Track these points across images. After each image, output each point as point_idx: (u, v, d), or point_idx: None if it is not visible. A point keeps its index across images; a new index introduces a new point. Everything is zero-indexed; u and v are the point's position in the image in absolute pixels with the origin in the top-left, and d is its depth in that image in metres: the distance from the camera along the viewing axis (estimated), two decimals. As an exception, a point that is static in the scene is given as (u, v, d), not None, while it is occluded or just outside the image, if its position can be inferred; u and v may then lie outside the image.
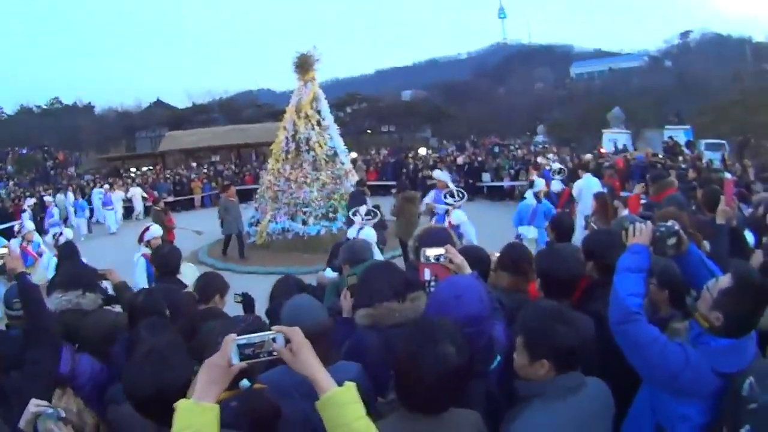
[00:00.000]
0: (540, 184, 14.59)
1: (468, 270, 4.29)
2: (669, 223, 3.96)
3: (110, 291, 7.05)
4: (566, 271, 4.54)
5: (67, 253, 9.73)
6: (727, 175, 10.17)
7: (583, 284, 4.68)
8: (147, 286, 8.80)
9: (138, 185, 37.18)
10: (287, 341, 2.57)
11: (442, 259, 4.37)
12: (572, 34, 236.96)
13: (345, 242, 6.80)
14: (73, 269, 6.36)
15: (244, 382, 3.01)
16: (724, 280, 3.40)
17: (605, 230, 5.54)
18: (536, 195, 13.98)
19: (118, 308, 6.22)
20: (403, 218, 16.54)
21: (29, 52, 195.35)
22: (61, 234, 12.34)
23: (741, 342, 3.34)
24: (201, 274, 6.87)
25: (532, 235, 13.20)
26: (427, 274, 4.45)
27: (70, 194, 32.71)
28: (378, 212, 11.57)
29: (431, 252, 4.41)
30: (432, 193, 15.53)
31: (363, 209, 11.34)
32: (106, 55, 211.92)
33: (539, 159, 32.06)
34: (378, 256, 9.66)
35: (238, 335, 2.54)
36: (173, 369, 2.98)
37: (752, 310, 3.35)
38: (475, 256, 4.87)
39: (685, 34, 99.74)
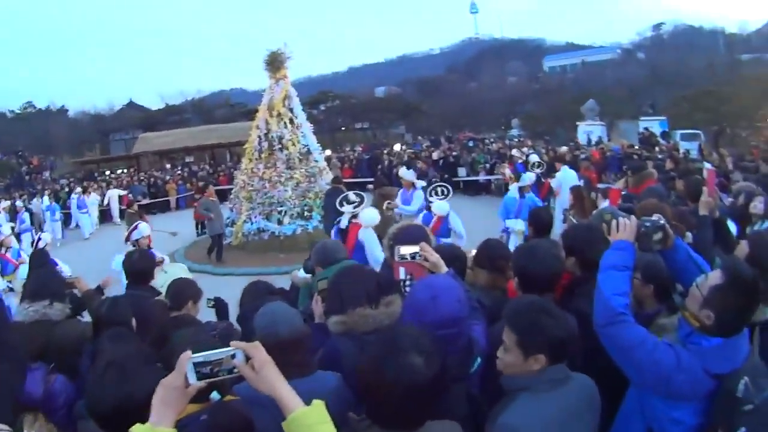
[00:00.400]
0: (527, 178, 14.43)
1: (444, 268, 4.14)
2: (654, 218, 3.78)
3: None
4: (544, 268, 4.34)
5: (39, 261, 9.38)
6: (707, 166, 10.06)
7: (564, 281, 4.53)
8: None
9: (115, 188, 36.75)
10: (248, 358, 2.37)
11: (417, 257, 4.20)
12: (544, 28, 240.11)
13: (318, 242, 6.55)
14: (40, 278, 6.13)
15: (214, 395, 2.84)
16: (714, 277, 3.23)
17: (585, 225, 5.32)
18: (521, 189, 13.87)
19: (88, 318, 6.04)
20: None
21: (0, 56, 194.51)
22: (39, 239, 11.89)
23: (733, 341, 3.17)
24: (172, 280, 6.68)
25: (520, 228, 13.13)
26: (402, 273, 4.29)
27: (45, 199, 32.22)
28: (364, 196, 11.26)
29: (406, 250, 4.24)
30: (399, 192, 15.13)
31: (351, 195, 11.00)
32: (78, 57, 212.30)
33: (514, 152, 32.14)
34: (377, 247, 9.55)
35: (193, 352, 2.34)
36: (134, 383, 2.82)
37: (745, 307, 3.17)
38: (451, 254, 4.74)
39: (657, 26, 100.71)
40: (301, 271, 6.89)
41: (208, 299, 6.46)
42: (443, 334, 3.23)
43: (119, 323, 4.68)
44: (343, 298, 3.96)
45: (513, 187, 14.33)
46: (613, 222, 3.80)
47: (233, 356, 2.35)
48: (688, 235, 5.70)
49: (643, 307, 4.41)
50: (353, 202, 10.65)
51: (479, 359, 3.61)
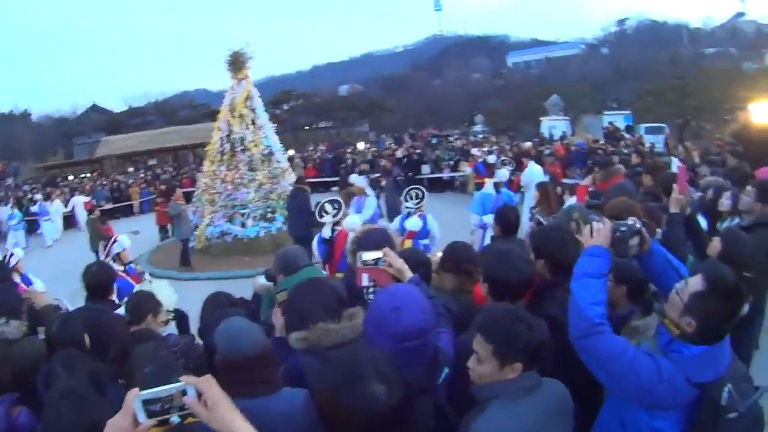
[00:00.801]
0: (501, 174, 14.42)
1: (409, 274, 4.00)
2: (630, 222, 3.59)
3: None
4: (517, 274, 4.16)
5: None
6: (675, 160, 9.96)
7: (534, 284, 4.35)
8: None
9: (80, 194, 36.08)
10: (200, 393, 2.15)
11: (380, 263, 4.06)
12: (508, 24, 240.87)
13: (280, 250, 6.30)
14: None
15: (174, 418, 2.64)
16: (695, 283, 3.08)
17: (554, 226, 5.14)
18: (496, 185, 13.67)
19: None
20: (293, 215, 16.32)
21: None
22: (11, 255, 11.36)
23: (716, 348, 3.05)
24: (130, 294, 6.45)
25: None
26: (365, 280, 4.12)
27: (8, 207, 31.69)
28: (341, 203, 10.97)
29: (369, 256, 4.11)
30: (375, 200, 14.77)
31: (327, 205, 10.70)
32: (41, 61, 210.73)
33: (474, 150, 32.00)
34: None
35: (141, 388, 2.13)
36: (94, 411, 2.71)
37: (728, 313, 3.02)
38: (415, 259, 4.53)
39: (621, 22, 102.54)
40: (263, 278, 6.68)
41: (167, 311, 6.24)
42: (407, 346, 3.10)
43: (70, 342, 4.52)
44: (303, 313, 3.74)
45: (488, 184, 14.11)
46: (586, 227, 3.64)
47: (184, 392, 2.15)
48: (658, 231, 5.58)
49: (615, 308, 4.28)
50: (332, 212, 10.43)
51: (447, 369, 3.44)
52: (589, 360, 3.24)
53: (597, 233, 3.52)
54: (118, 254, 10.09)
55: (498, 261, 4.30)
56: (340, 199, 10.99)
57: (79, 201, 32.79)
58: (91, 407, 2.69)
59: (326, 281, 4.30)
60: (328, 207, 10.53)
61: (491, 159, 19.19)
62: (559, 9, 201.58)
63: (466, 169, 28.46)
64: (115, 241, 10.21)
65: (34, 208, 31.27)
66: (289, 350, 3.83)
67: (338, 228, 10.22)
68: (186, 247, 19.44)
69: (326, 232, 10.39)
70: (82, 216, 31.62)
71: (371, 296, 3.98)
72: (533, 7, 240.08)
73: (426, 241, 11.50)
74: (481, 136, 51.36)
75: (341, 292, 3.98)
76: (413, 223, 11.63)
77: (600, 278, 3.37)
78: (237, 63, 22.02)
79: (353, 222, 9.77)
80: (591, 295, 3.28)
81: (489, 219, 12.34)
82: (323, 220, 10.42)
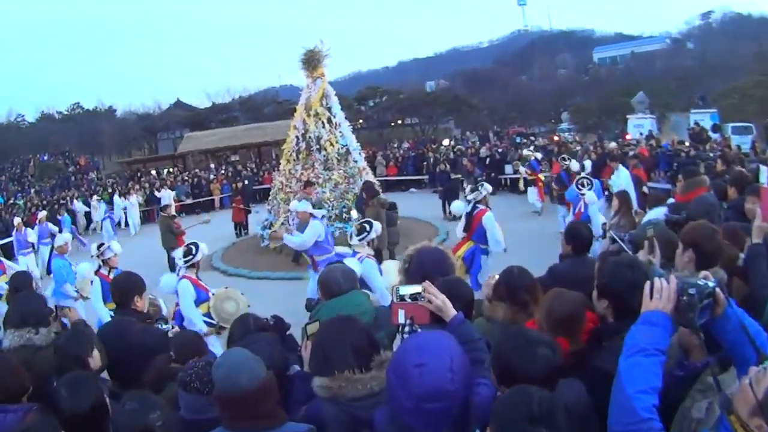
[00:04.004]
0: (587, 165, 17.43)
1: (451, 312, 3.63)
2: (701, 282, 2.96)
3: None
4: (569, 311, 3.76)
5: (19, 284, 8.91)
6: (764, 169, 9.10)
7: (591, 324, 3.89)
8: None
9: (168, 188, 36.69)
10: None
11: (419, 299, 3.65)
12: (593, 18, 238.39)
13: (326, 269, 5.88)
14: (24, 305, 5.73)
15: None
16: None
17: (628, 262, 4.13)
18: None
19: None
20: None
21: (49, 57, 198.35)
22: (108, 247, 11.28)
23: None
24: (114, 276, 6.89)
25: (593, 197, 13.32)
26: (401, 317, 3.67)
27: (94, 199, 32.66)
28: (372, 225, 10.42)
29: (406, 290, 3.71)
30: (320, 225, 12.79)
31: (354, 229, 10.33)
32: (125, 57, 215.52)
33: (524, 151, 33.01)
34: (377, 279, 9.24)
35: None
36: None
37: None
38: (456, 294, 3.99)
39: (706, 15, 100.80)
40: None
41: (267, 318, 5.93)
42: (429, 408, 2.66)
43: (73, 356, 4.43)
44: (328, 358, 3.42)
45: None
46: (647, 284, 3.05)
47: None
48: (741, 256, 4.93)
49: (689, 357, 3.46)
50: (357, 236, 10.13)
51: (477, 430, 2.94)
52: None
53: (658, 294, 2.95)
54: (108, 259, 10.38)
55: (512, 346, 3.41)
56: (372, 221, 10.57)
57: (169, 195, 32.83)
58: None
59: (358, 321, 3.83)
60: (355, 230, 10.32)
61: (575, 166, 18.95)
62: (644, 2, 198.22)
63: (520, 168, 29.17)
64: (108, 246, 10.27)
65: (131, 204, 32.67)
66: (311, 389, 3.52)
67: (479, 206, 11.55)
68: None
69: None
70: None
71: (406, 336, 3.54)
72: (617, 0, 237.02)
73: (485, 246, 11.48)
74: (568, 134, 50.75)
75: (372, 335, 3.63)
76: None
77: (656, 356, 2.81)
78: (312, 61, 21.84)
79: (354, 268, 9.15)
80: (642, 380, 2.72)
81: (589, 196, 13.46)
82: (352, 244, 10.18)
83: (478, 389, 3.15)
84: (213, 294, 9.17)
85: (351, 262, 8.62)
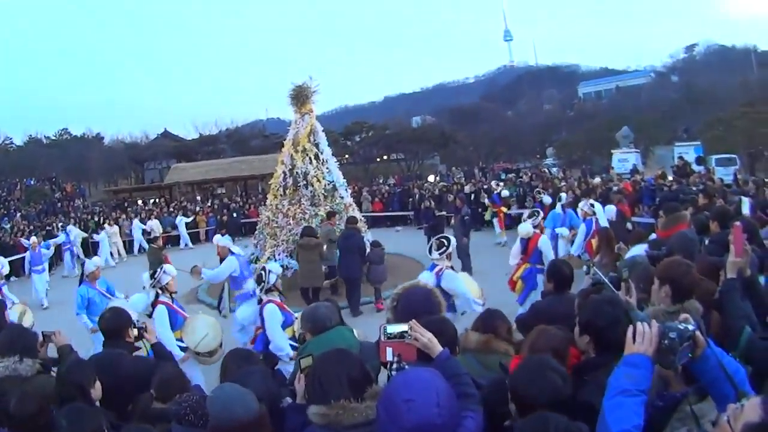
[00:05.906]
0: (563, 197, 20.09)
1: (438, 348, 3.73)
2: (681, 326, 3.15)
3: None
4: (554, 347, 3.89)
5: None
6: (746, 201, 9.19)
7: (573, 361, 4.00)
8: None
9: (155, 218, 36.71)
10: None
11: (406, 337, 3.77)
12: (578, 54, 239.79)
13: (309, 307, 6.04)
14: (9, 333, 5.88)
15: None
16: (751, 412, 2.47)
17: (608, 299, 4.25)
18: (563, 206, 18.71)
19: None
20: (303, 266, 16.62)
21: (39, 82, 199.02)
22: (163, 271, 11.00)
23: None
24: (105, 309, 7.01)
25: (566, 233, 17.45)
26: (389, 354, 3.81)
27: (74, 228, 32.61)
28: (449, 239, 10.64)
29: (393, 329, 3.84)
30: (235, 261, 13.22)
31: (434, 244, 10.55)
32: (114, 85, 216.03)
33: (492, 183, 35.70)
34: (461, 286, 9.74)
35: None
36: None
37: None
38: (441, 331, 4.13)
39: (690, 48, 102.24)
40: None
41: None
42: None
43: (75, 384, 4.62)
44: (325, 388, 3.54)
45: (558, 206, 19.02)
46: (630, 328, 3.22)
47: None
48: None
49: (668, 387, 3.60)
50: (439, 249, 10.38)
51: None
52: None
53: (641, 338, 3.12)
54: (166, 284, 9.94)
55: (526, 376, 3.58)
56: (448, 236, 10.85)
57: (155, 226, 32.41)
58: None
59: (352, 353, 4.00)
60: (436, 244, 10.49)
61: (505, 193, 24.65)
62: (629, 37, 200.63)
63: (485, 199, 31.70)
64: (163, 271, 10.00)
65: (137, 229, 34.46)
66: (305, 419, 3.64)
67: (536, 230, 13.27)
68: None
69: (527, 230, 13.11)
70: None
71: (394, 373, 3.70)
72: (602, 35, 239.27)
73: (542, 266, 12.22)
74: (554, 169, 51.33)
75: (366, 367, 3.75)
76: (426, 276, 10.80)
77: (638, 396, 2.96)
78: (300, 97, 21.86)
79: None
80: (626, 419, 2.88)
81: (561, 230, 17.62)
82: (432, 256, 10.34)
83: (465, 422, 3.29)
84: (296, 318, 9.11)
85: (426, 276, 9.64)
